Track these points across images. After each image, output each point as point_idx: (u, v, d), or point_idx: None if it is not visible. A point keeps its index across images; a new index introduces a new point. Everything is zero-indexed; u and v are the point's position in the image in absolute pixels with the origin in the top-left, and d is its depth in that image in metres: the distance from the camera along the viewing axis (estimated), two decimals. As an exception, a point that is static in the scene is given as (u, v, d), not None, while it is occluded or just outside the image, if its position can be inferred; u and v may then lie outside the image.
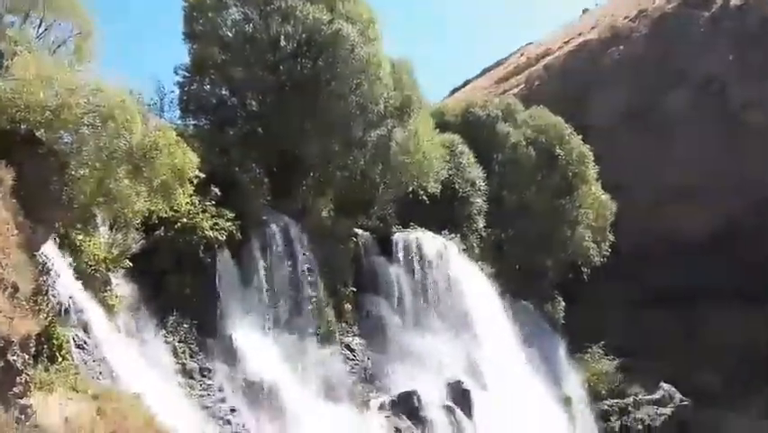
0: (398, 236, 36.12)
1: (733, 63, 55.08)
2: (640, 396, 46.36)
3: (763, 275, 48.39)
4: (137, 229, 22.44)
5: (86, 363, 19.27)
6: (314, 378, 29.17)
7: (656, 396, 46.44)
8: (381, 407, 30.96)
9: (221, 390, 25.83)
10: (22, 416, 12.91)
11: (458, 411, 32.26)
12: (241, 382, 26.47)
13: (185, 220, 25.84)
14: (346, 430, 28.46)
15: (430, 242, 36.86)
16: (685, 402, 45.98)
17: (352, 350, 32.28)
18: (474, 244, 40.60)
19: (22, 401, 13.01)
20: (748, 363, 45.97)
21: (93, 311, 20.51)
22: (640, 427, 44.60)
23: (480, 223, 41.37)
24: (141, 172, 19.20)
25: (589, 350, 47.19)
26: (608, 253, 47.71)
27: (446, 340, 35.82)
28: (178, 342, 25.54)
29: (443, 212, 38.71)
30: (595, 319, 44.90)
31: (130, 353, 22.36)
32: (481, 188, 41.40)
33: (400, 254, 35.72)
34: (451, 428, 31.79)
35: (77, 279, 20.19)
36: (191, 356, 25.75)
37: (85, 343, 19.67)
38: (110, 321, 21.57)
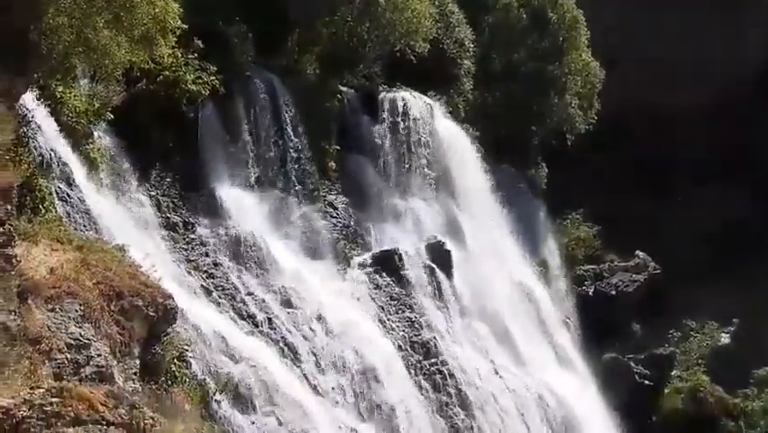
0: (384, 96, 35.70)
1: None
2: (615, 263, 47.49)
3: (746, 153, 48.69)
4: (118, 81, 22.01)
5: (69, 216, 19.37)
6: (296, 234, 29.57)
7: (631, 263, 47.56)
8: (362, 264, 31.57)
9: (204, 244, 26.17)
10: (8, 265, 13.03)
11: (437, 270, 32.99)
12: (224, 236, 26.78)
13: (167, 73, 25.30)
14: (327, 286, 29.14)
15: (416, 102, 36.52)
16: (658, 271, 47.13)
17: (334, 208, 32.52)
18: (460, 107, 40.23)
19: (7, 251, 13.10)
20: (726, 238, 46.84)
21: (75, 164, 20.43)
22: (613, 292, 45.86)
23: (467, 85, 40.84)
24: (121, 22, 18.60)
25: (569, 216, 47.88)
26: (593, 121, 47.51)
27: (428, 201, 36.20)
28: (161, 196, 25.65)
29: (430, 72, 38.09)
30: (576, 186, 45.28)
31: (112, 206, 22.49)
32: (470, 49, 40.64)
33: (385, 114, 35.41)
34: (430, 287, 32.62)
35: (59, 131, 19.97)
36: (174, 210, 25.91)
37: (68, 195, 19.70)
38: (92, 174, 21.53)
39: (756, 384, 44.00)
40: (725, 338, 48.05)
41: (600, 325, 42.04)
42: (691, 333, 47.91)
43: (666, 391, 44.06)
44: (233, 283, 25.77)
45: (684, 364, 45.92)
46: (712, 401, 42.95)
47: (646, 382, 43.27)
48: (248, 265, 26.78)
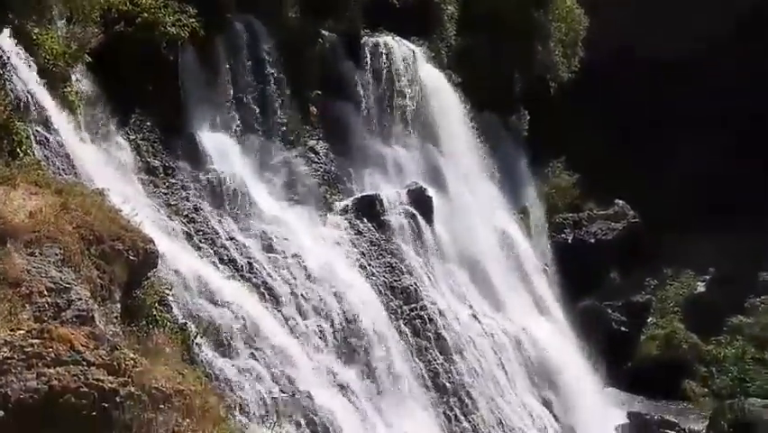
0: (367, 40, 35.39)
1: None
2: (594, 211, 47.79)
3: (729, 102, 48.60)
4: (95, 23, 21.66)
5: (47, 159, 19.20)
6: (277, 179, 29.54)
7: (610, 211, 47.87)
8: (343, 210, 31.68)
9: (185, 188, 26.07)
10: (-15, 208, 12.99)
11: (418, 216, 33.16)
12: (204, 180, 26.71)
13: (145, 15, 24.92)
14: (308, 231, 29.24)
15: (399, 47, 36.25)
16: (637, 219, 47.48)
17: (316, 153, 32.44)
18: (443, 52, 39.94)
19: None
20: (706, 188, 47.11)
21: (53, 107, 20.18)
22: (592, 240, 46.26)
23: (451, 30, 40.52)
24: (98, -39, 18.31)
25: (550, 164, 47.98)
26: (576, 69, 47.37)
27: (410, 147, 36.20)
28: (141, 140, 25.41)
29: (414, 17, 37.77)
30: (558, 135, 45.24)
31: (91, 150, 22.31)
32: (454, -6, 40.28)
33: (368, 59, 35.16)
34: (410, 232, 32.80)
35: (35, 74, 19.68)
36: (154, 154, 25.73)
37: (46, 139, 19.49)
38: (70, 117, 21.30)
39: (729, 332, 44.92)
40: (700, 287, 48.83)
41: (578, 272, 42.44)
42: (668, 281, 48.63)
43: (642, 337, 44.86)
44: (213, 228, 25.77)
45: (660, 312, 46.70)
46: (686, 348, 43.84)
47: (623, 328, 43.98)
48: (229, 210, 26.78)
